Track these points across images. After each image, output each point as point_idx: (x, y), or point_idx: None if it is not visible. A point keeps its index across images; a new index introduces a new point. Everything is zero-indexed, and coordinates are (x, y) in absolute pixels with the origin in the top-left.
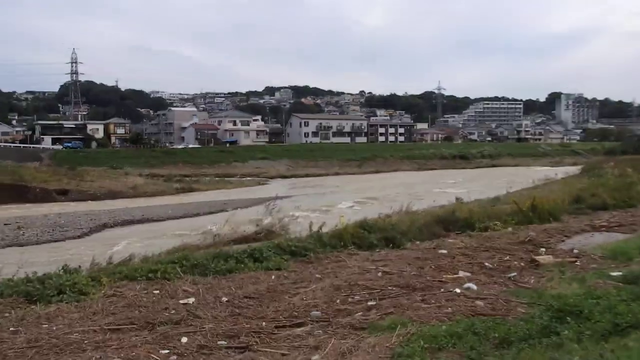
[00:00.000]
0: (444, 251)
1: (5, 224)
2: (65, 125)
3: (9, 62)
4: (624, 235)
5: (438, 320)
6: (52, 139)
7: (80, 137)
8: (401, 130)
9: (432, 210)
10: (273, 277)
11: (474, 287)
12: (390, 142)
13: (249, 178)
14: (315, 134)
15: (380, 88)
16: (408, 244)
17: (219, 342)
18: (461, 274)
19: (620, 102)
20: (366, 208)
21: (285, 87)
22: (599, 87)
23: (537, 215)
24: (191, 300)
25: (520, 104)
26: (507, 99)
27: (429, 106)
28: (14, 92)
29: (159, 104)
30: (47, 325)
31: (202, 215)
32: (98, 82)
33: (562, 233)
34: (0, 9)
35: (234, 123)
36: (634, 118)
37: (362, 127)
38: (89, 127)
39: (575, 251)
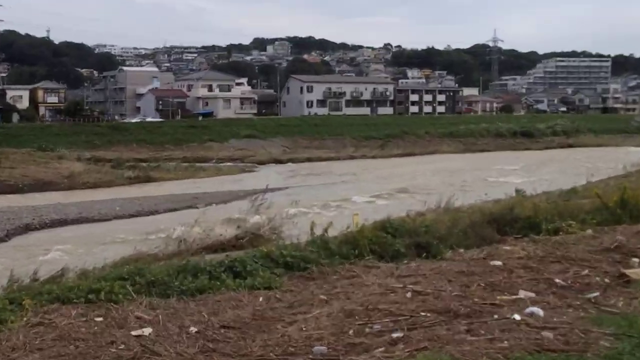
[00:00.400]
0: (498, 263)
1: None
2: None
3: None
4: None
5: (490, 359)
6: None
7: None
8: (441, 97)
9: (482, 207)
10: (261, 299)
11: (540, 312)
12: (426, 114)
13: (229, 164)
14: (321, 102)
15: (413, 40)
16: (448, 253)
17: None
18: (522, 294)
19: None
20: (391, 203)
21: (281, 39)
22: None
23: (628, 214)
24: (147, 331)
25: (607, 61)
26: (589, 55)
27: (480, 65)
28: None
29: (106, 62)
30: None
31: (163, 214)
32: (23, 32)
33: None
34: None
35: (210, 88)
36: None
37: (387, 94)
38: (9, 93)
39: None
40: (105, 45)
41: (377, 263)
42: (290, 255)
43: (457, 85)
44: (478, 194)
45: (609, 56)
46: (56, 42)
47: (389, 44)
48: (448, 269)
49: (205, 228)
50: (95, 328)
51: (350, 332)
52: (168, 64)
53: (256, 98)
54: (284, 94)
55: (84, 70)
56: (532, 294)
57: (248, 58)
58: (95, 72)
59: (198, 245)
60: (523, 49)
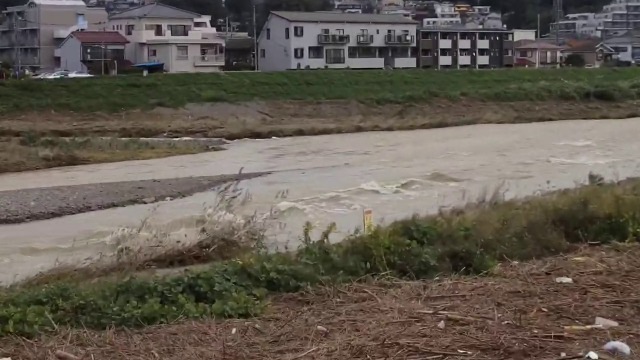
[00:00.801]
0: (567, 279)
1: None
2: None
3: None
4: None
5: None
6: None
7: None
8: (483, 43)
9: (543, 201)
10: (234, 330)
11: (625, 348)
12: (463, 66)
13: (186, 138)
14: (315, 51)
15: None
16: (496, 266)
17: None
18: (600, 323)
19: None
20: (416, 196)
21: None
22: None
23: None
24: None
25: None
26: None
27: None
28: None
29: None
30: None
31: (97, 211)
32: None
33: None
34: None
35: (158, 30)
36: None
37: (408, 39)
38: None
39: None
40: None
41: (398, 280)
42: (275, 270)
43: (505, 26)
44: (537, 181)
45: None
46: None
47: None
48: (496, 288)
49: (156, 232)
50: None
51: None
52: None
53: (224, 44)
54: (263, 38)
55: None
56: (614, 323)
57: None
58: None
59: (146, 256)
60: None
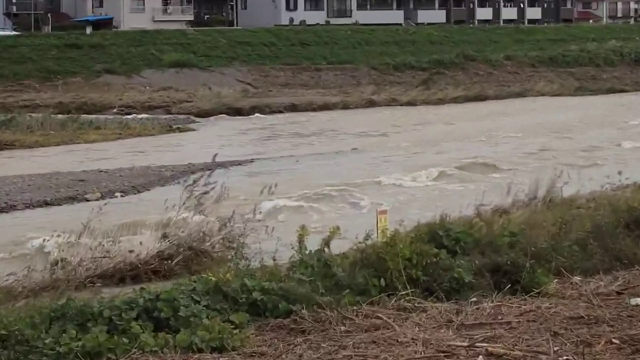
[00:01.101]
0: None
1: None
2: None
3: None
4: None
5: None
6: None
7: None
8: None
9: (613, 198)
10: None
11: None
12: (507, 22)
13: (144, 116)
14: (314, 1)
15: None
16: (552, 283)
17: None
18: None
19: None
20: (446, 190)
21: None
22: None
23: None
24: None
25: None
26: None
27: None
28: None
29: None
30: None
31: (23, 211)
32: None
33: None
34: None
35: None
36: None
37: None
38: None
39: None
40: None
41: (422, 302)
42: (260, 289)
43: None
44: (605, 172)
45: None
46: None
47: None
48: (552, 312)
49: (102, 238)
50: None
51: None
52: None
53: None
54: None
55: None
56: None
57: None
58: None
59: (89, 271)
60: None
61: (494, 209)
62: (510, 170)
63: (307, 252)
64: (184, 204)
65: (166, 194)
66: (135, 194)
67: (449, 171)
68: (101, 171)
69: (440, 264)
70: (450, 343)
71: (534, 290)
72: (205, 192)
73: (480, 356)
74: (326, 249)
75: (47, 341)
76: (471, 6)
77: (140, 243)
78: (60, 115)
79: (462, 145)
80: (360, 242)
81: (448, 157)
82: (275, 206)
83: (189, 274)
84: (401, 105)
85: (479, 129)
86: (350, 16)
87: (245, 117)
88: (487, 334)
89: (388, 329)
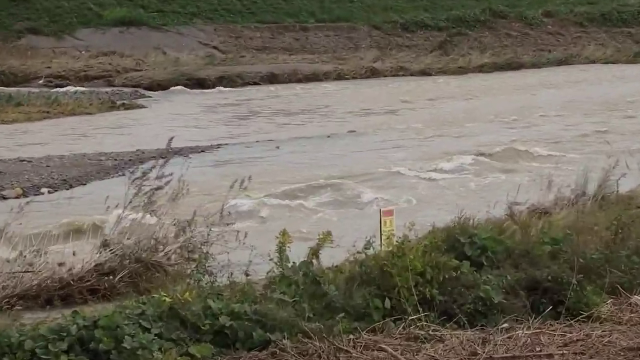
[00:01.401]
0: None
1: None
2: None
3: None
4: None
5: None
6: None
7: None
8: None
9: None
10: None
11: None
12: None
13: (78, 89)
14: None
15: None
16: (606, 304)
17: None
18: None
19: None
20: (469, 183)
21: None
22: None
23: None
24: None
25: None
26: None
27: None
28: None
29: None
30: None
31: None
32: None
33: None
34: None
35: None
36: None
37: None
38: None
39: None
40: None
41: (438, 329)
42: (229, 313)
43: None
44: None
45: None
46: None
47: None
48: (606, 342)
49: (23, 248)
50: None
51: None
52: None
53: None
54: None
55: None
56: None
57: None
58: None
59: (6, 290)
60: None
61: (531, 209)
62: (552, 159)
63: (289, 264)
64: (130, 202)
65: (107, 189)
66: (67, 189)
67: (473, 160)
68: (23, 160)
69: (462, 279)
70: None
71: (582, 314)
72: (158, 188)
73: None
74: (315, 261)
75: None
76: None
77: (73, 254)
78: None
79: (489, 126)
80: (358, 252)
81: (472, 141)
82: (248, 205)
83: (136, 293)
84: (411, 75)
85: (512, 106)
86: None
87: (211, 90)
88: None
89: None
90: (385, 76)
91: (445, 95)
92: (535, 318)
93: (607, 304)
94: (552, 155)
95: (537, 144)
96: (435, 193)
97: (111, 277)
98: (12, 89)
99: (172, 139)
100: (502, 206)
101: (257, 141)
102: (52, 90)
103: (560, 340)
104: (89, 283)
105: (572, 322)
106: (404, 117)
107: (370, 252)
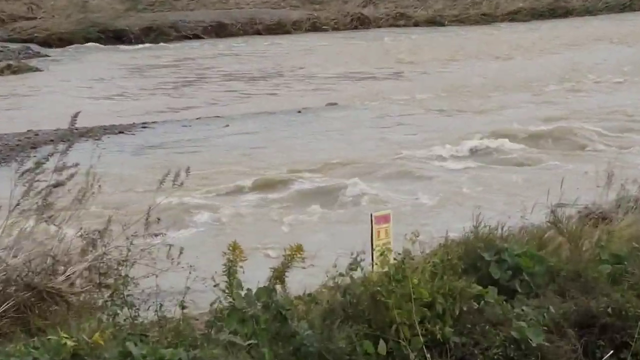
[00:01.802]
0: None
1: None
2: None
3: None
4: None
5: None
6: None
7: None
8: None
9: None
10: None
11: None
12: None
13: None
14: None
15: None
16: None
17: None
18: None
19: None
20: (495, 175)
21: None
22: None
23: None
24: None
25: None
26: None
27: None
28: None
29: None
30: None
31: None
32: None
33: None
34: None
35: None
36: None
37: None
38: None
39: None
40: None
41: None
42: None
43: None
44: None
45: None
46: None
47: None
48: None
49: None
50: None
51: None
52: None
53: None
54: None
55: None
56: None
57: None
58: None
59: None
60: None
61: (583, 213)
62: (612, 143)
63: (242, 292)
64: (17, 205)
65: None
66: None
67: (501, 144)
68: None
69: (487, 313)
70: None
71: None
72: (58, 184)
73: None
74: (279, 287)
75: None
76: None
77: None
78: None
79: (523, 97)
80: (341, 274)
81: (499, 118)
82: (185, 208)
83: (26, 335)
84: (415, 25)
85: (556, 69)
86: None
87: (134, 46)
88: None
89: None
90: (379, 27)
91: (463, 54)
92: None
93: None
94: (612, 137)
95: (589, 122)
96: (448, 191)
97: None
98: None
99: (77, 114)
100: (542, 209)
101: (198, 118)
102: None
103: None
104: None
105: None
106: (406, 85)
107: (358, 274)
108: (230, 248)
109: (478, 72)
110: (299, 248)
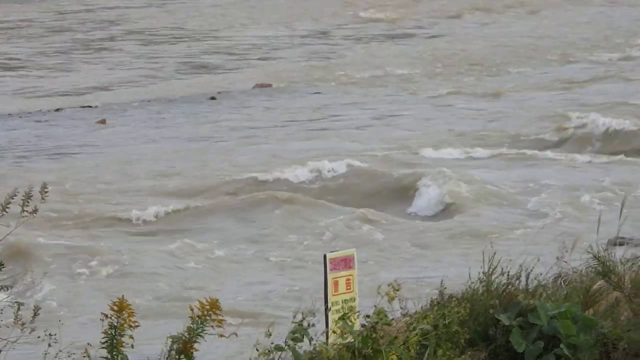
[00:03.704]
0: None
1: None
2: None
3: None
4: None
5: None
6: None
7: None
8: None
9: None
10: None
11: None
12: None
13: None
14: None
15: None
16: None
17: None
18: None
19: None
20: (509, 193)
21: None
22: None
23: None
24: None
25: None
26: None
27: None
28: None
29: None
30: None
31: None
32: None
33: None
34: None
35: None
36: None
37: None
38: None
39: None
40: None
41: None
42: None
43: None
44: None
45: None
46: None
47: None
48: None
49: None
50: None
51: None
52: None
53: None
54: None
55: None
56: None
57: None
58: None
59: None
60: None
61: None
62: None
63: None
64: None
65: None
66: None
67: (524, 147)
68: None
69: None
70: None
71: None
72: None
73: None
74: None
75: None
76: None
77: None
78: None
79: (556, 72)
80: (278, 347)
81: (525, 105)
82: (42, 247)
83: None
84: None
85: (601, 28)
86: None
87: None
88: None
89: None
90: None
91: (474, 6)
92: None
93: None
94: None
95: None
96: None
97: None
98: None
99: None
100: (586, 246)
101: (57, 110)
102: None
103: None
104: None
105: None
106: (386, 52)
107: (305, 346)
108: (115, 307)
109: (494, 33)
110: (214, 304)
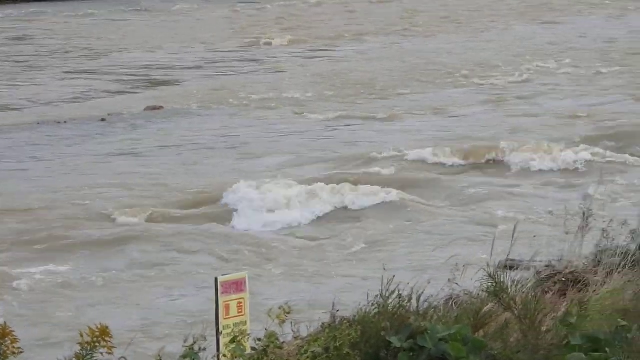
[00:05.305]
0: None
1: None
2: None
3: None
4: None
5: None
6: None
7: None
8: None
9: None
10: None
11: None
12: None
13: None
14: None
15: None
16: None
17: None
18: None
19: None
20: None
21: None
22: None
23: None
24: None
25: None
26: None
27: None
28: None
29: None
30: None
31: None
32: None
33: None
34: None
35: None
36: None
37: None
38: None
39: None
40: None
41: None
42: None
43: None
44: None
45: None
46: None
47: None
48: None
49: None
50: None
51: None
52: None
53: None
54: None
55: None
56: None
57: None
58: None
59: None
60: None
61: (542, 275)
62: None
63: None
64: None
65: None
66: None
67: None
68: None
69: None
70: None
71: None
72: None
73: None
74: None
75: None
76: None
77: None
78: None
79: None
80: None
81: (522, 109)
82: None
83: None
84: None
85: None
86: None
87: None
88: None
89: None
90: None
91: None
92: None
93: None
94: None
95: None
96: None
97: None
98: None
99: None
100: (479, 268)
101: None
102: None
103: None
104: None
105: None
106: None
107: None
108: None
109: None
110: (104, 331)
